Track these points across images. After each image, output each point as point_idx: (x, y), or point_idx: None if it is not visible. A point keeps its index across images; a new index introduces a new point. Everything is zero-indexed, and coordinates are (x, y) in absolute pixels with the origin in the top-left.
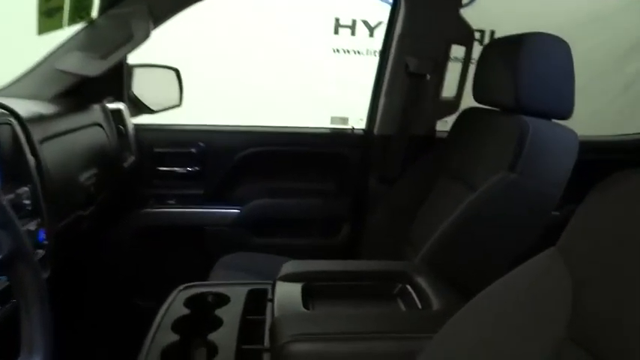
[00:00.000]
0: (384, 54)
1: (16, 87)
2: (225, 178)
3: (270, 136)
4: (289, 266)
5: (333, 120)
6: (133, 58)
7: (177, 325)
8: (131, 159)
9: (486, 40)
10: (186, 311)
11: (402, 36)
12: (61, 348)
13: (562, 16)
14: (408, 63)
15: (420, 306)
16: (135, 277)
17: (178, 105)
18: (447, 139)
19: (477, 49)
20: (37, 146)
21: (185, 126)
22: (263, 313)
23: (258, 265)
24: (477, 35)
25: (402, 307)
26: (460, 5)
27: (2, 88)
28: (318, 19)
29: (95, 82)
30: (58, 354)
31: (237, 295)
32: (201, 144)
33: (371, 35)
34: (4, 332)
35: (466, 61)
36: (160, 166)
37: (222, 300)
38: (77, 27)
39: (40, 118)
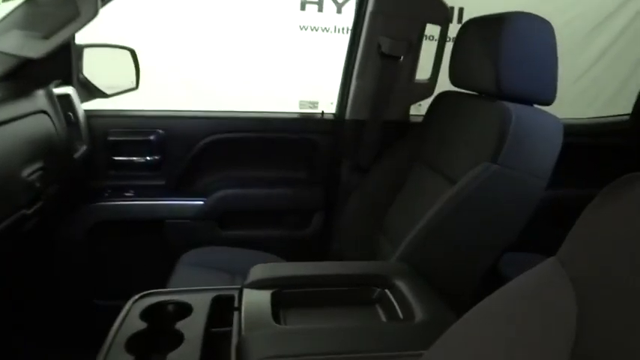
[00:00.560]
0: (354, 34)
1: None
2: (187, 167)
3: (234, 122)
4: (257, 270)
5: (302, 104)
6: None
7: (133, 343)
8: (82, 149)
9: (454, 19)
10: (142, 325)
11: (373, 14)
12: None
13: None
14: (381, 44)
15: (401, 315)
16: (93, 277)
17: (135, 88)
18: (421, 124)
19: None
20: None
21: (142, 111)
22: (229, 324)
23: (224, 260)
24: None
25: (382, 316)
26: None
27: None
28: None
29: (39, 65)
30: None
31: (201, 303)
32: (160, 131)
33: (339, 12)
34: None
35: (441, 41)
36: (116, 156)
37: (184, 310)
38: (15, 2)
39: None
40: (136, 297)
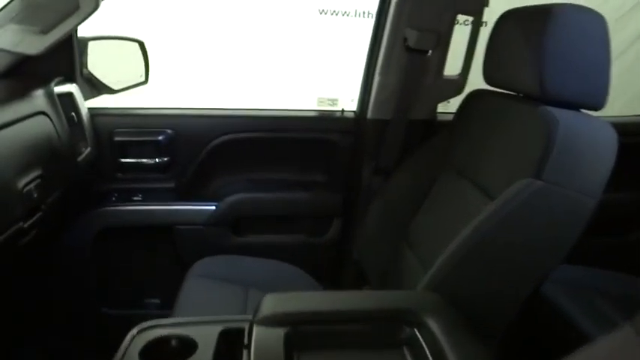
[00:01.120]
0: (377, 25)
1: None
2: (197, 169)
3: (248, 121)
4: (269, 302)
5: (320, 102)
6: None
7: None
8: (87, 151)
9: None
10: None
11: (399, 3)
12: None
13: None
14: (407, 36)
15: None
16: (100, 284)
17: (144, 82)
18: (451, 125)
19: None
20: None
21: (150, 110)
22: None
23: (237, 271)
24: None
25: None
26: None
27: None
28: None
29: (38, 62)
30: None
31: (206, 338)
32: (169, 131)
33: None
34: None
35: (474, 33)
36: (122, 158)
37: (188, 346)
38: None
39: None
40: (135, 331)
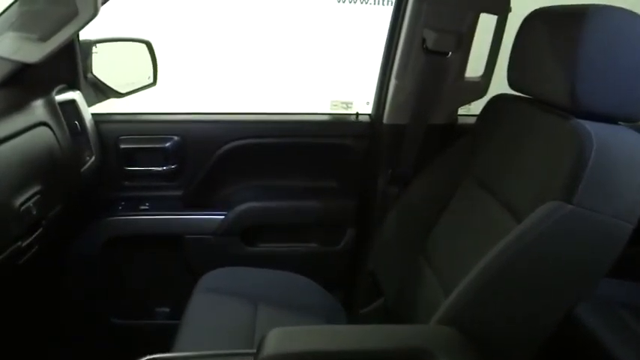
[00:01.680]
0: (394, 25)
1: None
2: (206, 177)
3: (258, 126)
4: (274, 339)
5: (334, 105)
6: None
7: None
8: (91, 160)
9: None
10: None
11: (417, 2)
12: None
13: None
14: (426, 37)
15: None
16: (108, 295)
17: (153, 84)
18: (471, 130)
19: None
20: None
21: (156, 115)
22: None
23: (246, 285)
24: None
25: None
26: None
27: None
28: None
29: (37, 70)
30: None
31: None
32: (176, 137)
33: None
34: None
35: (498, 33)
36: (128, 166)
37: None
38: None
39: None
40: None
